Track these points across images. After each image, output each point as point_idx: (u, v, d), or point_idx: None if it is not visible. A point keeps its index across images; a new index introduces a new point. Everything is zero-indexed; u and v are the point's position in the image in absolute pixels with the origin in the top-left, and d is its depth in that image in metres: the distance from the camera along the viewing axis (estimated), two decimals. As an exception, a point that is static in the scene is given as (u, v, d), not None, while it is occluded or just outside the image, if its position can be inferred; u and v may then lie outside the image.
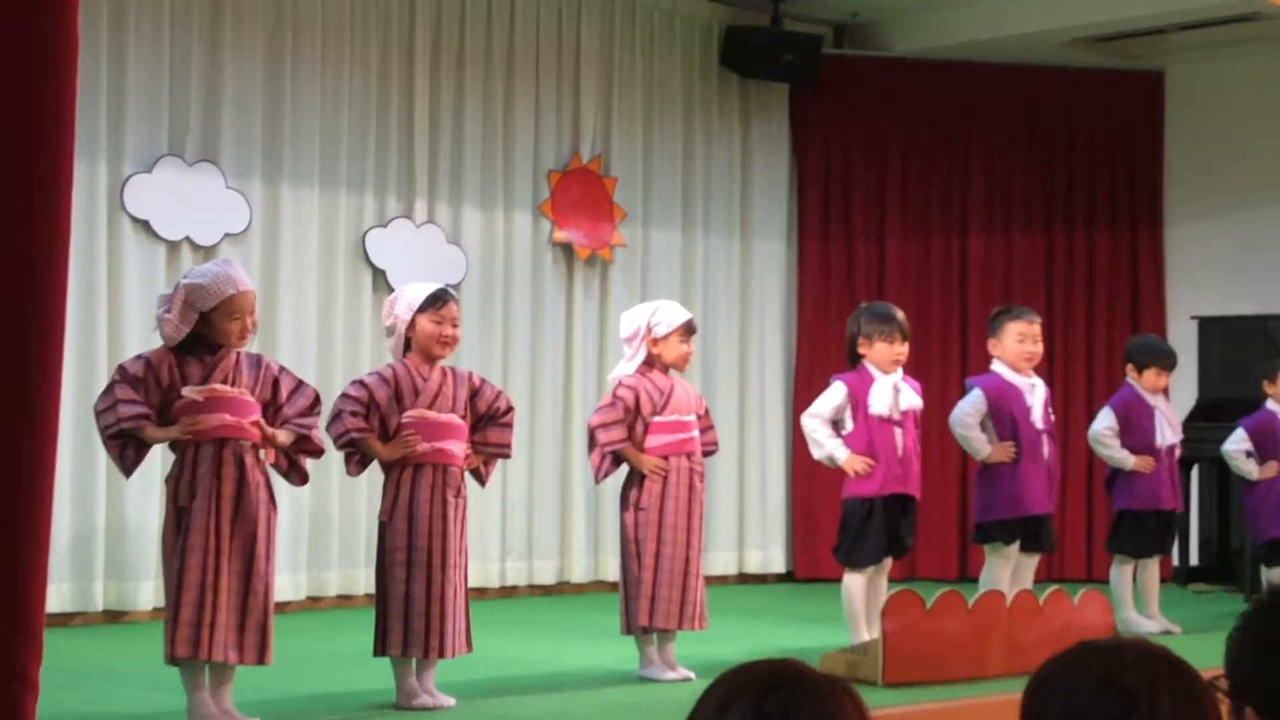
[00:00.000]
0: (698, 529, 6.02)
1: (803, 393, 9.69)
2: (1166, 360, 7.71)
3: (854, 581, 6.40)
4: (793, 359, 9.91)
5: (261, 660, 4.90)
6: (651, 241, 9.33)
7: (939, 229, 10.09)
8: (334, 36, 8.17)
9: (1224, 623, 2.03)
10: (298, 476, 5.17)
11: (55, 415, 3.19)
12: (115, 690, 5.69)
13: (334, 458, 7.46)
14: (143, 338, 7.33)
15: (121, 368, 4.97)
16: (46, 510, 3.17)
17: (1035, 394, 6.98)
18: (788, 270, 9.94)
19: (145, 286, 7.49)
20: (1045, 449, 6.96)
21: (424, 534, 5.30)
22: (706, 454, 6.28)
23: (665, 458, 5.99)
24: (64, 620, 7.15)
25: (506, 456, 5.72)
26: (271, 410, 5.06)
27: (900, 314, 6.59)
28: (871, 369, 6.45)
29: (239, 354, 5.03)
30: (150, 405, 4.88)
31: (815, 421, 6.51)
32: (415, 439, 5.33)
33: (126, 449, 4.92)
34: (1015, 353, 6.96)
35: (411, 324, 5.43)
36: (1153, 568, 7.63)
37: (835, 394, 6.47)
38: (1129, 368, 7.71)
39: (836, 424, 6.49)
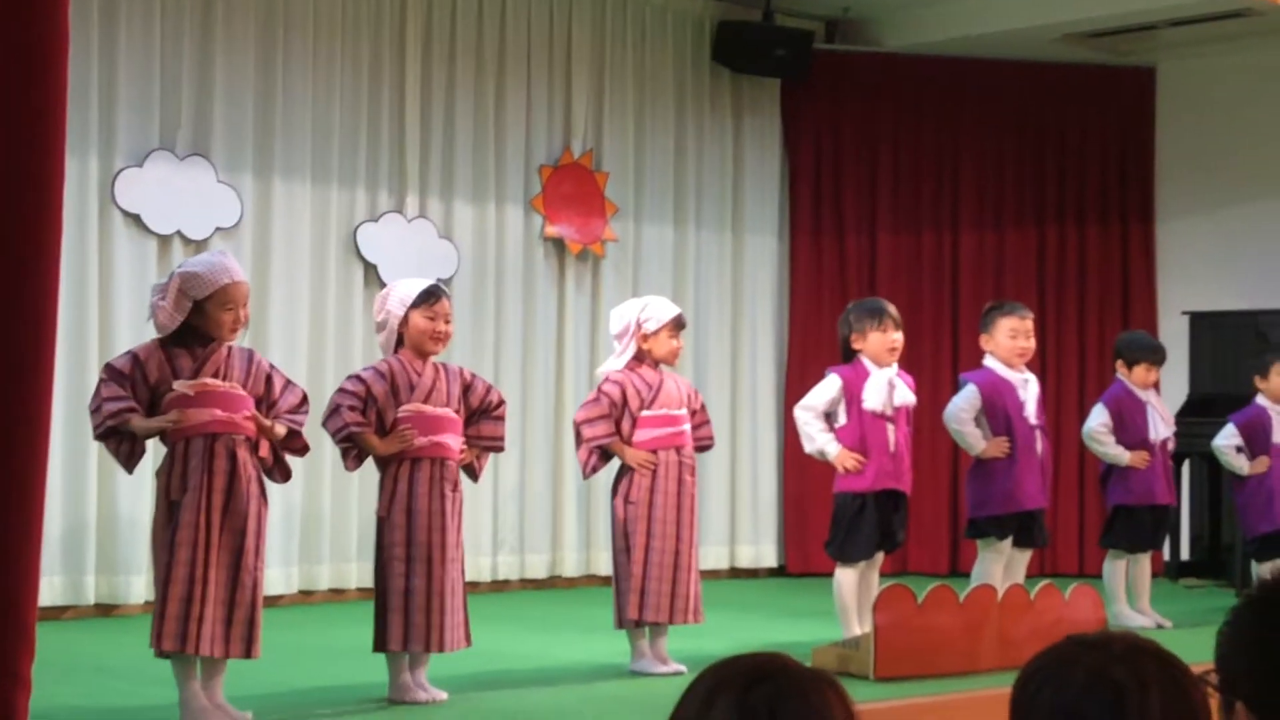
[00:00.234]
0: (689, 522, 6.02)
1: (794, 387, 9.69)
2: (1156, 355, 7.72)
3: (845, 576, 6.41)
4: (784, 354, 9.91)
5: (248, 654, 4.89)
6: (643, 236, 9.34)
7: (930, 224, 10.10)
8: (325, 31, 8.16)
9: (1215, 618, 2.04)
10: (281, 473, 5.15)
11: (47, 411, 3.18)
12: (107, 684, 5.69)
13: (326, 451, 7.48)
14: (134, 331, 7.33)
15: (108, 365, 4.97)
16: (39, 507, 3.17)
17: (1028, 389, 6.99)
18: (779, 265, 9.95)
19: (136, 280, 7.48)
20: (1039, 444, 6.97)
21: (423, 528, 5.30)
22: (702, 449, 6.29)
23: (654, 451, 5.99)
24: (55, 614, 7.14)
25: (500, 449, 5.73)
26: (265, 405, 5.05)
27: (890, 305, 6.60)
28: (867, 363, 6.45)
29: (230, 347, 5.02)
30: (139, 400, 4.88)
31: (808, 414, 6.51)
32: (412, 433, 5.34)
33: (121, 445, 4.92)
34: (1007, 348, 6.97)
35: (404, 320, 5.43)
36: (1145, 563, 7.65)
37: (829, 386, 6.48)
38: (1118, 364, 7.73)
39: (830, 416, 6.50)
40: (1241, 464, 7.91)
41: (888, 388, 6.43)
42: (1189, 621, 7.45)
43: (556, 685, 5.74)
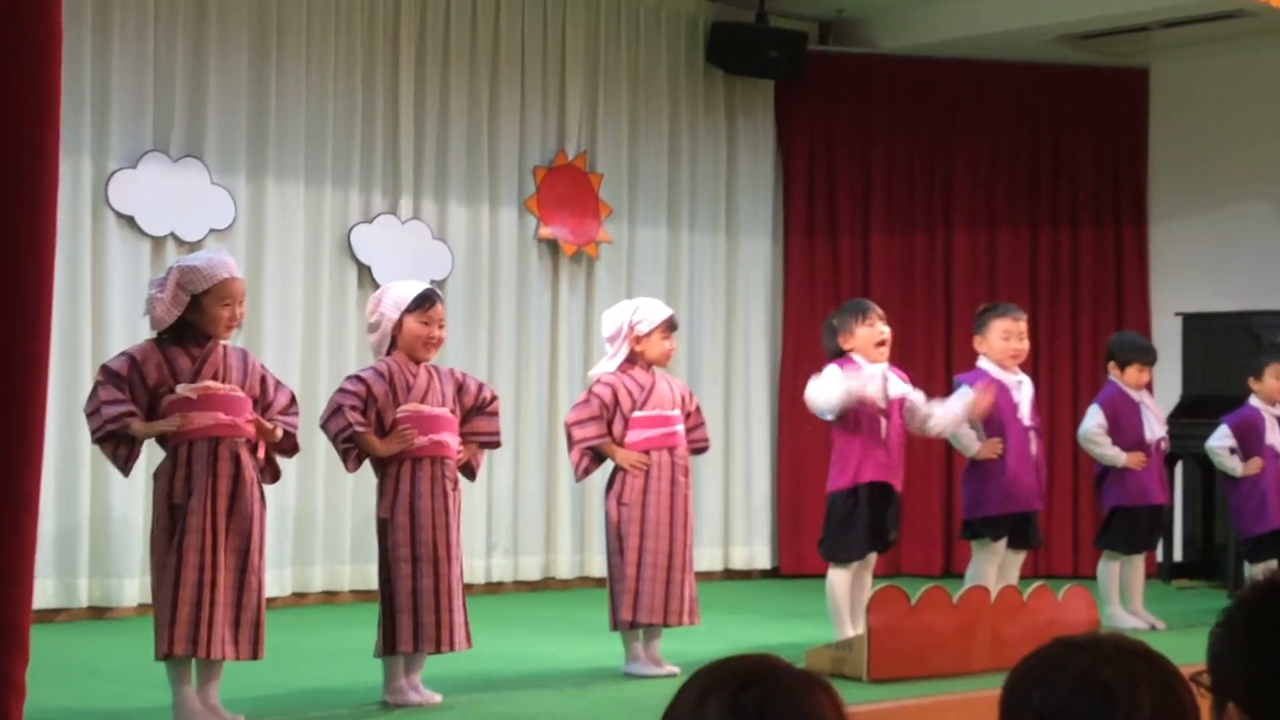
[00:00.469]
0: (683, 524, 6.02)
1: (788, 389, 9.70)
2: (1148, 356, 7.73)
3: (838, 577, 6.41)
4: (778, 355, 9.92)
5: (255, 655, 4.92)
6: (637, 238, 9.34)
7: (924, 225, 10.11)
8: (319, 32, 8.16)
9: (1207, 619, 2.04)
10: (271, 474, 5.15)
11: (42, 414, 3.18)
12: (100, 687, 5.68)
13: (320, 452, 7.48)
14: (128, 332, 7.32)
15: (104, 367, 4.95)
16: (33, 511, 3.16)
17: (1022, 391, 7.00)
18: (773, 266, 9.95)
19: (130, 282, 7.48)
20: (1033, 446, 6.98)
21: (427, 528, 5.30)
22: (697, 451, 6.29)
23: (646, 452, 6.00)
24: (48, 617, 7.13)
25: (496, 445, 5.74)
26: (260, 406, 5.06)
27: (870, 302, 6.64)
28: (859, 360, 6.45)
29: (225, 346, 5.02)
30: (137, 402, 4.87)
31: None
32: (413, 433, 5.34)
33: (119, 448, 4.91)
34: (1001, 350, 6.97)
35: (398, 324, 5.43)
36: (1138, 564, 7.66)
37: (831, 372, 6.44)
38: (1110, 365, 7.74)
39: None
40: (1235, 465, 7.92)
41: (882, 379, 6.44)
42: (1182, 623, 7.46)
43: (550, 687, 5.74)
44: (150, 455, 5.30)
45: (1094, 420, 7.62)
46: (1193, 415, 9.03)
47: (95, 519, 7.36)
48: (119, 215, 7.51)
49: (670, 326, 6.12)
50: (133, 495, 7.30)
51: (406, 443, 5.33)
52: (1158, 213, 10.26)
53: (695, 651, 6.00)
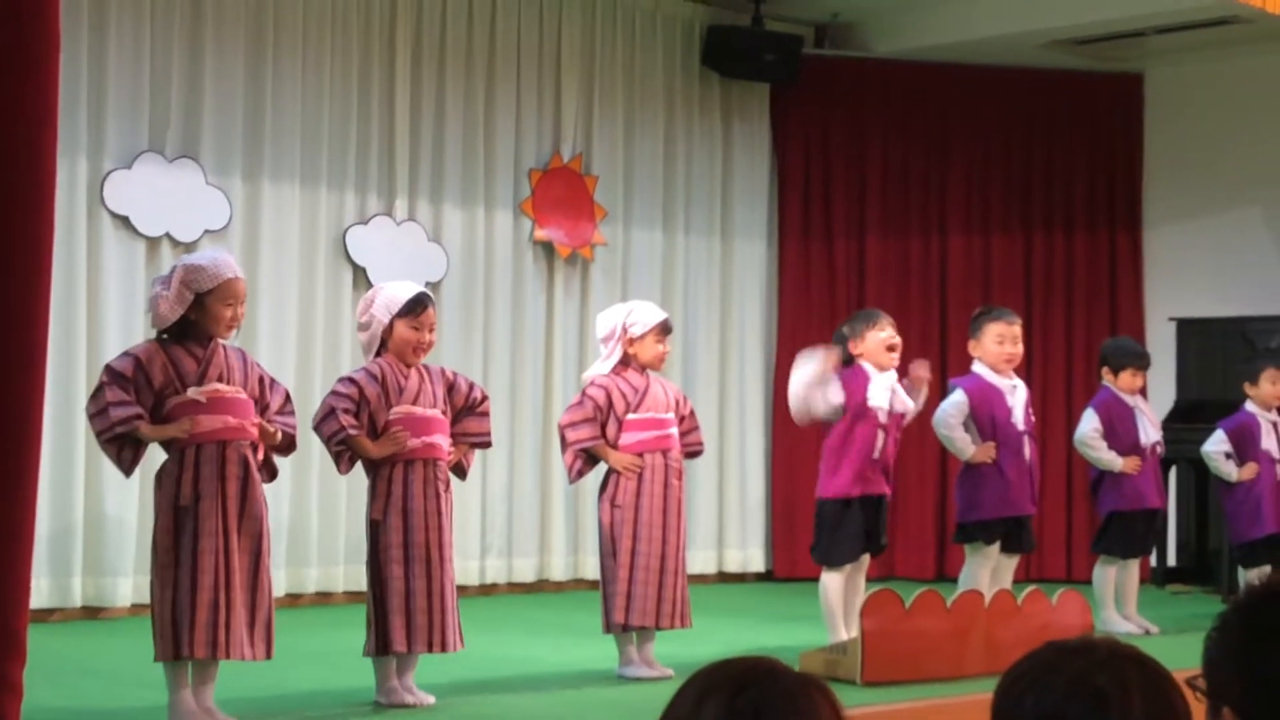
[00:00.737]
0: (676, 526, 6.02)
1: (782, 392, 9.69)
2: (1141, 361, 7.75)
3: (831, 580, 6.41)
4: (773, 359, 9.92)
5: (268, 655, 4.95)
6: (632, 240, 9.34)
7: (919, 230, 10.12)
8: (315, 34, 8.16)
9: (1201, 623, 2.05)
10: (268, 473, 5.16)
11: (39, 414, 3.18)
12: (95, 687, 5.68)
13: (314, 454, 7.48)
14: (123, 332, 7.33)
15: (109, 368, 4.94)
16: (30, 511, 3.16)
17: (1016, 395, 7.01)
18: (768, 270, 9.96)
19: (125, 282, 7.48)
20: (1027, 450, 6.98)
21: (420, 529, 5.31)
22: (691, 454, 6.29)
23: (640, 455, 6.00)
24: (42, 616, 7.12)
25: (487, 445, 5.74)
26: (259, 407, 5.06)
27: (882, 311, 6.65)
28: (867, 368, 6.45)
29: (225, 348, 5.03)
30: (142, 404, 4.87)
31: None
32: (405, 435, 5.34)
33: (124, 450, 4.91)
34: (995, 354, 6.98)
35: (389, 328, 5.43)
36: (1133, 569, 7.67)
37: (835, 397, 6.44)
38: (1104, 370, 7.74)
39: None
40: (1231, 470, 7.92)
41: (889, 391, 6.45)
42: (1176, 627, 7.47)
43: (544, 690, 5.74)
44: (149, 457, 5.28)
45: (1089, 425, 7.63)
46: (1187, 420, 9.04)
47: (89, 518, 7.36)
48: (114, 215, 7.51)
49: (664, 330, 6.12)
50: (127, 495, 7.30)
51: (399, 445, 5.33)
52: (1152, 218, 10.28)
53: (689, 654, 6.00)
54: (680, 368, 9.21)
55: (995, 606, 6.18)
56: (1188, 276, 10.06)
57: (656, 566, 5.94)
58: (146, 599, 5.27)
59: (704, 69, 9.66)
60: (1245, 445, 7.93)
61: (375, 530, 5.35)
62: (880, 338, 6.46)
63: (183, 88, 7.73)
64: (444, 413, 5.49)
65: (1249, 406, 8.02)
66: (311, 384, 7.77)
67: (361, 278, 8.23)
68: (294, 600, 7.93)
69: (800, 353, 6.55)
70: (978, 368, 7.04)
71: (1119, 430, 7.58)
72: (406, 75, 8.48)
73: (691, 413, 6.30)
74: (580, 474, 6.14)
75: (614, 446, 6.02)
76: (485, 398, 5.66)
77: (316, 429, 5.40)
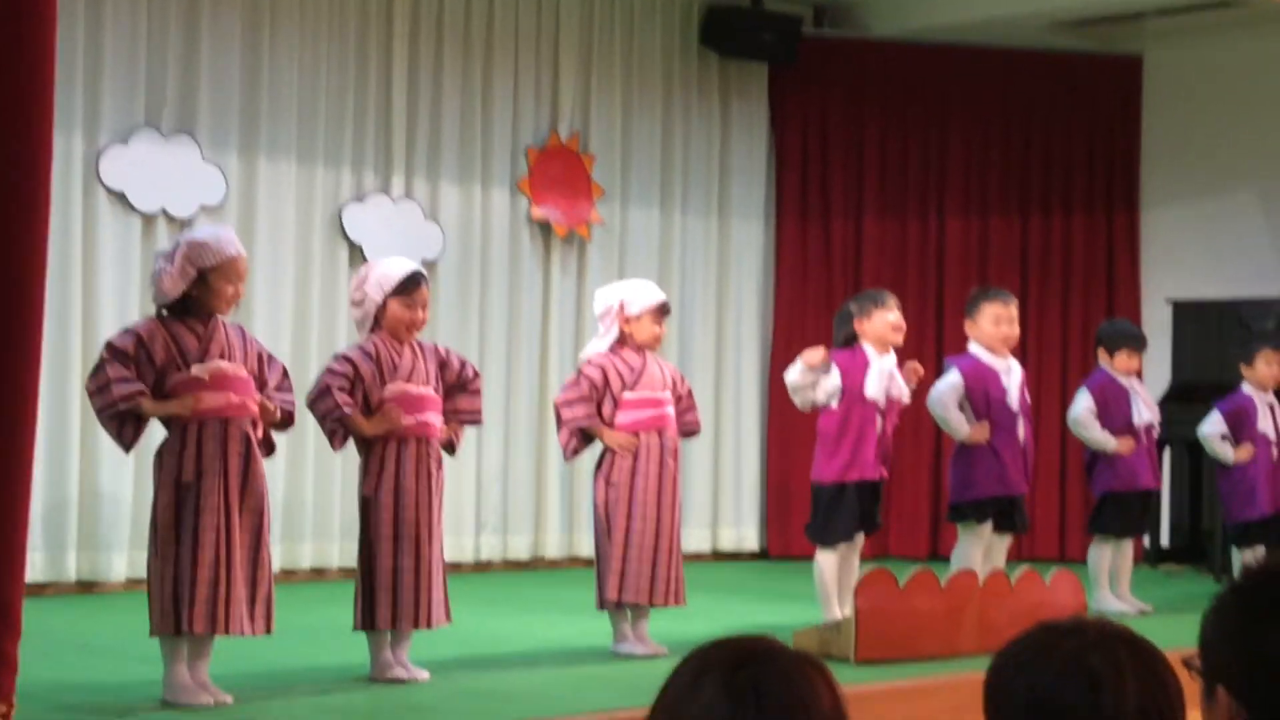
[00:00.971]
0: (670, 505, 6.02)
1: (778, 372, 9.69)
2: (1137, 342, 7.75)
3: (826, 559, 6.43)
4: (769, 338, 9.92)
5: (268, 630, 4.97)
6: (629, 220, 9.33)
7: (916, 210, 10.12)
8: (312, 10, 8.14)
9: (1194, 603, 2.06)
10: (266, 448, 5.16)
11: (35, 390, 3.18)
12: (89, 661, 5.69)
13: (309, 430, 7.47)
14: (118, 308, 7.32)
15: (110, 345, 4.93)
16: (26, 487, 3.17)
17: (1011, 375, 7.01)
18: (765, 250, 9.95)
19: (120, 257, 7.47)
20: (1021, 430, 6.99)
21: (410, 507, 5.32)
22: (688, 434, 6.29)
23: (635, 434, 6.00)
24: (36, 591, 7.12)
25: (478, 423, 5.75)
26: (257, 384, 5.06)
27: (889, 292, 6.68)
28: (868, 350, 6.46)
29: (225, 325, 5.03)
30: (144, 381, 4.87)
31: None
32: (399, 413, 5.34)
33: (125, 426, 4.90)
34: (991, 334, 6.99)
35: (382, 306, 5.43)
36: (1126, 549, 7.68)
37: (829, 381, 6.44)
38: (1100, 352, 7.75)
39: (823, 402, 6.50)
40: (1228, 452, 7.93)
41: (887, 378, 6.45)
42: (1169, 607, 7.49)
43: (538, 666, 5.75)
44: (150, 434, 5.27)
45: (1083, 404, 7.64)
46: (1182, 402, 9.05)
47: (84, 493, 7.36)
48: (110, 191, 7.50)
49: (662, 311, 6.11)
50: (121, 470, 7.30)
51: (393, 423, 5.33)
52: (1149, 200, 10.27)
53: (683, 632, 6.02)
54: (676, 347, 9.21)
55: (989, 586, 6.20)
56: (1184, 259, 10.06)
57: (651, 544, 5.94)
58: (141, 574, 5.28)
59: (702, 49, 9.64)
60: (1241, 427, 7.94)
61: (366, 507, 5.36)
62: (888, 319, 6.47)
63: (179, 63, 7.71)
64: (437, 390, 5.49)
65: (1245, 388, 8.03)
66: (307, 360, 7.77)
67: (358, 255, 8.22)
68: (289, 576, 7.93)
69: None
70: (973, 348, 7.04)
71: (1113, 411, 7.59)
72: (404, 52, 8.46)
73: (689, 392, 6.29)
74: (576, 452, 6.14)
75: (610, 425, 6.02)
76: (477, 375, 5.66)
77: (311, 406, 5.39)
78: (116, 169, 7.49)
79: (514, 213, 8.89)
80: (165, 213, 7.64)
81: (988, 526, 6.90)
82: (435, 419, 5.45)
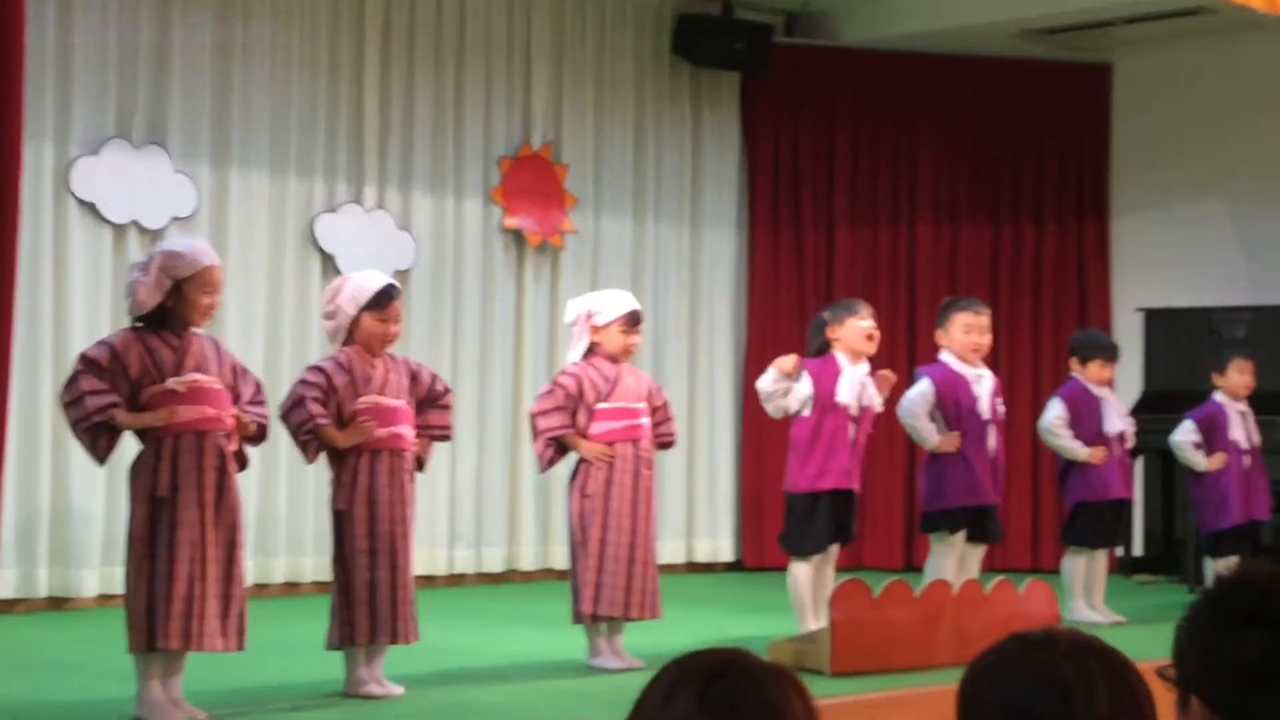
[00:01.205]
0: (645, 516, 6.01)
1: (752, 381, 9.68)
2: (1109, 352, 7.78)
3: (800, 570, 6.42)
4: (743, 347, 9.93)
5: (240, 646, 4.93)
6: (602, 229, 9.33)
7: (888, 219, 10.14)
8: (283, 19, 8.12)
9: (1168, 613, 2.06)
10: (240, 462, 5.14)
11: (4, 405, 3.16)
12: (61, 678, 5.64)
13: (282, 443, 7.44)
14: (89, 320, 7.29)
15: (84, 356, 4.91)
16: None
17: (982, 385, 7.02)
18: (738, 258, 9.96)
19: (91, 269, 7.44)
20: (991, 439, 6.99)
21: (385, 520, 5.29)
22: (663, 445, 6.27)
23: (610, 445, 5.99)
24: (7, 607, 7.09)
25: (447, 438, 5.74)
26: (231, 397, 5.04)
27: (863, 301, 6.68)
28: (840, 358, 6.45)
29: (200, 337, 5.01)
30: (119, 393, 4.84)
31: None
32: (372, 425, 5.32)
33: (99, 439, 4.87)
34: (962, 343, 7.00)
35: (355, 320, 5.41)
36: (1100, 559, 7.70)
37: (801, 389, 6.44)
38: (1073, 361, 7.77)
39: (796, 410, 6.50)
40: (1200, 461, 7.95)
41: (858, 386, 6.44)
42: (1142, 618, 7.51)
43: (513, 680, 5.73)
44: (123, 447, 5.24)
45: (1054, 413, 7.66)
46: (1154, 410, 9.08)
47: (55, 508, 7.31)
48: (80, 202, 7.46)
49: (632, 321, 6.08)
50: (93, 485, 7.26)
51: (366, 435, 5.32)
52: (1120, 208, 10.32)
53: (659, 645, 6.01)
54: (650, 357, 9.20)
55: (963, 596, 6.20)
56: (1155, 267, 10.10)
57: (626, 557, 5.93)
58: (113, 590, 5.26)
59: (674, 57, 9.66)
60: (1213, 435, 7.96)
61: (340, 520, 5.33)
62: (861, 326, 6.47)
63: (150, 73, 7.68)
64: (409, 403, 5.48)
65: (1217, 396, 8.05)
66: (279, 373, 7.74)
67: (330, 266, 8.20)
68: (261, 590, 7.90)
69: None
70: (944, 357, 7.05)
71: (1085, 420, 7.61)
72: (376, 61, 8.45)
73: (665, 404, 6.28)
74: (551, 463, 6.12)
75: (584, 435, 6.01)
76: (447, 390, 5.65)
77: (284, 418, 5.37)
78: (87, 180, 7.46)
79: (487, 222, 8.88)
80: (136, 224, 7.60)
81: (960, 536, 6.91)
82: (408, 431, 5.43)
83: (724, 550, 9.79)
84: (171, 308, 4.91)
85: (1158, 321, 9.81)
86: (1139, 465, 9.21)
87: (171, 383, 4.86)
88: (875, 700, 5.41)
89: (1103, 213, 10.33)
